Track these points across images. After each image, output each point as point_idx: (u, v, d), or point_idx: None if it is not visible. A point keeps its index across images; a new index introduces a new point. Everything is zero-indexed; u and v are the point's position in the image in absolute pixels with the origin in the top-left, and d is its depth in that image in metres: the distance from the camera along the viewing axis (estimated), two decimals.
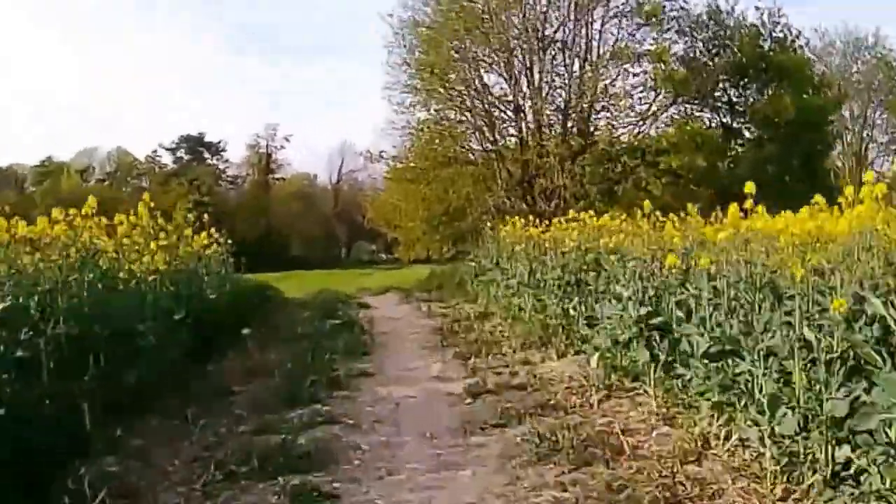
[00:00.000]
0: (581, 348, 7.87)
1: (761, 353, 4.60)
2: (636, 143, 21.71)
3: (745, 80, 23.30)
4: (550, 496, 4.09)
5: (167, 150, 47.10)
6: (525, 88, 21.91)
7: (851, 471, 3.95)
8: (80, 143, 76.02)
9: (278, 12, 69.47)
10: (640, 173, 21.41)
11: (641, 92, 21.76)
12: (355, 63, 71.50)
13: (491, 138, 22.04)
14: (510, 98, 22.01)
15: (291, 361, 7.73)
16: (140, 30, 68.60)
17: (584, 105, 21.59)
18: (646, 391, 6.18)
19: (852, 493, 3.78)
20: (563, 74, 21.84)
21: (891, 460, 3.56)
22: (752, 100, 23.54)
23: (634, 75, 21.50)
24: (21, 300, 5.61)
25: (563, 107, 21.74)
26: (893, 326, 3.78)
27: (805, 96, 23.13)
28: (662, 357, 5.90)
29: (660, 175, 21.26)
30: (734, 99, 23.85)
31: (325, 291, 14.78)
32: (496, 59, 21.69)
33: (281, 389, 6.69)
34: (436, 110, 22.21)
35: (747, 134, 23.99)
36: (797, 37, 23.65)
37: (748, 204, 5.54)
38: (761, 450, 4.78)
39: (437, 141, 21.93)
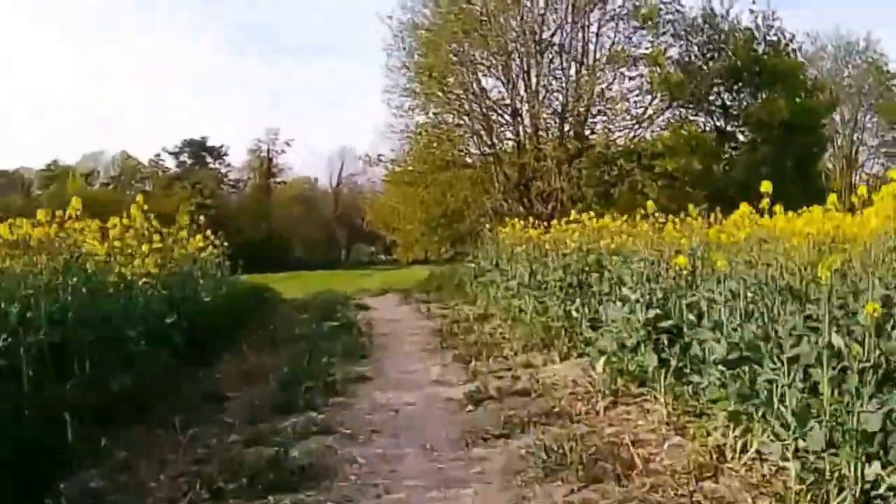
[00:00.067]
0: (584, 351, 7.45)
1: (785, 360, 4.19)
2: (632, 146, 21.36)
3: (740, 83, 23.03)
4: None
5: (170, 154, 46.84)
6: (522, 92, 21.56)
7: (882, 490, 3.58)
8: (81, 144, 75.72)
9: (278, 12, 68.99)
10: (636, 176, 21.11)
11: (637, 95, 21.44)
12: (355, 63, 71.04)
13: (489, 142, 21.67)
14: (507, 102, 21.63)
15: (287, 365, 7.30)
16: (140, 30, 68.18)
17: (581, 109, 21.22)
18: (655, 398, 5.77)
19: None
20: (561, 78, 21.51)
21: None
22: (745, 103, 23.27)
23: (631, 79, 21.18)
24: (1, 305, 5.21)
25: (560, 110, 21.37)
26: None
27: (798, 99, 22.87)
28: (673, 363, 5.48)
29: (655, 178, 20.98)
30: (728, 102, 23.59)
31: (323, 293, 14.32)
32: (494, 62, 21.31)
33: (275, 395, 6.27)
34: (434, 114, 21.84)
35: (741, 137, 23.71)
36: (791, 40, 23.39)
37: (764, 203, 5.14)
38: (782, 464, 4.39)
39: (435, 144, 21.54)
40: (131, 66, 67.78)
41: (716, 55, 22.43)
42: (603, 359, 6.24)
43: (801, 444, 4.14)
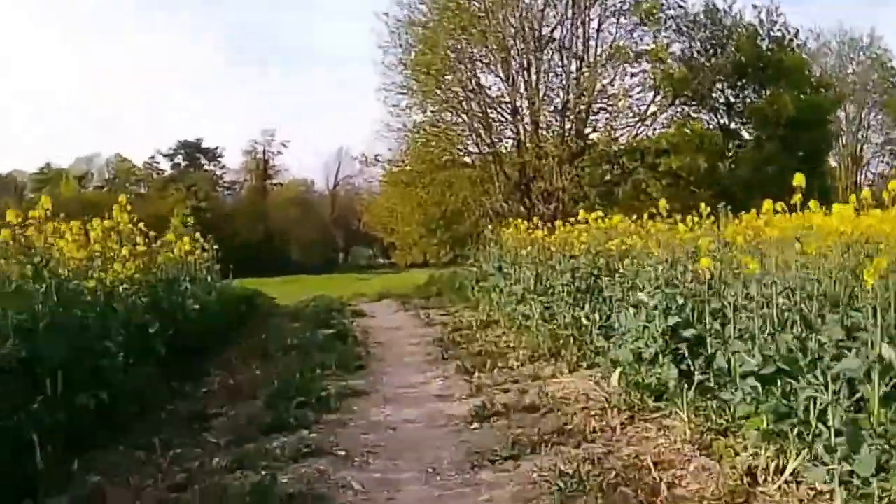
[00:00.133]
0: (595, 361, 7.02)
1: (829, 374, 3.76)
2: (635, 144, 20.91)
3: (744, 79, 22.62)
4: None
5: (165, 156, 46.33)
6: (522, 89, 21.06)
7: None
8: (80, 144, 75.06)
9: (278, 12, 68.30)
10: (640, 175, 20.71)
11: (640, 92, 20.97)
12: (354, 63, 70.06)
13: (488, 140, 21.20)
14: (507, 99, 21.16)
15: (278, 378, 6.85)
16: (140, 30, 67.21)
17: (583, 106, 20.76)
18: (676, 413, 5.33)
19: None
20: (561, 75, 21.02)
21: None
22: (749, 100, 22.85)
23: (633, 75, 20.71)
24: None
25: (561, 108, 20.89)
26: None
27: (803, 96, 22.46)
28: (697, 376, 5.05)
29: (659, 177, 20.59)
30: (731, 99, 23.18)
31: (319, 298, 13.81)
32: (493, 58, 20.82)
33: (264, 412, 5.84)
34: (432, 112, 21.35)
35: (746, 134, 23.31)
36: (795, 36, 22.98)
37: (797, 198, 4.72)
38: (820, 487, 3.98)
39: (433, 143, 21.06)
40: (131, 66, 67.00)
41: (719, 51, 22.04)
42: (618, 371, 5.80)
43: (846, 466, 3.73)
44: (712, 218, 8.10)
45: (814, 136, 22.67)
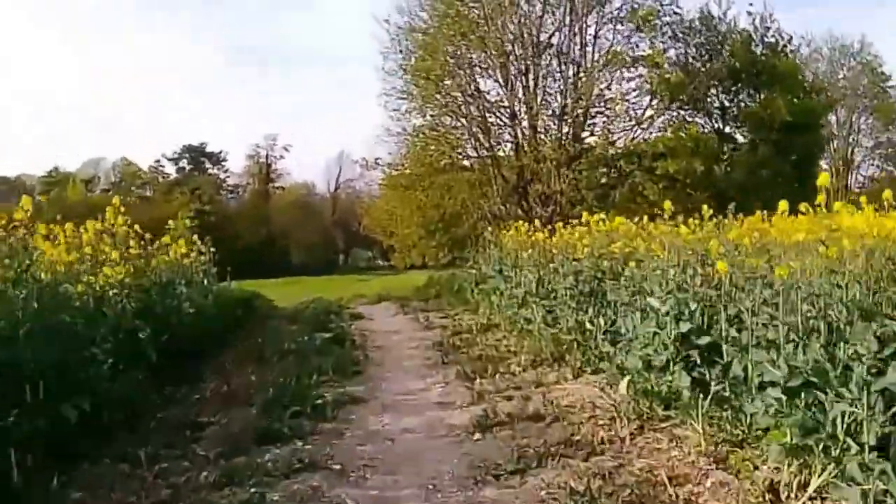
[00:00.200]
0: (599, 366, 6.61)
1: (868, 389, 3.37)
2: (632, 147, 20.54)
3: (738, 84, 22.33)
4: None
5: (170, 160, 45.93)
6: (520, 94, 20.70)
7: None
8: (80, 145, 74.15)
9: (278, 12, 67.66)
10: (637, 178, 20.34)
11: (637, 96, 20.57)
12: (354, 63, 69.08)
13: (486, 144, 20.82)
14: (505, 103, 20.78)
15: (273, 384, 6.44)
16: (140, 30, 66.35)
17: (580, 110, 20.40)
18: (688, 423, 4.93)
19: None
20: (559, 79, 20.65)
21: None
22: (743, 104, 22.56)
23: (630, 79, 20.32)
24: None
25: (558, 112, 20.52)
26: None
27: (796, 100, 22.17)
28: (714, 386, 4.65)
29: (656, 180, 20.22)
30: (726, 104, 22.88)
31: (317, 301, 13.34)
32: (492, 63, 20.45)
33: (258, 421, 5.42)
34: (431, 116, 20.95)
35: (740, 138, 22.99)
36: (789, 41, 22.70)
37: (820, 198, 4.33)
38: None
39: (432, 147, 20.68)
40: (131, 66, 66.14)
41: (714, 57, 21.72)
42: (626, 379, 5.40)
43: (880, 485, 3.36)
44: (715, 220, 7.77)
45: (806, 140, 22.42)
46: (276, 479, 4.30)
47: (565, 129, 20.51)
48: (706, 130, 22.30)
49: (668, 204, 7.11)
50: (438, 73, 20.10)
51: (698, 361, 5.13)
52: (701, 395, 4.73)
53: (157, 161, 46.23)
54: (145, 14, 64.64)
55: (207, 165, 46.14)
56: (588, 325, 6.78)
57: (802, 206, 4.34)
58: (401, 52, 21.03)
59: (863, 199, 4.75)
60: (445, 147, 20.48)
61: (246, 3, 65.78)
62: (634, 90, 20.64)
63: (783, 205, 5.65)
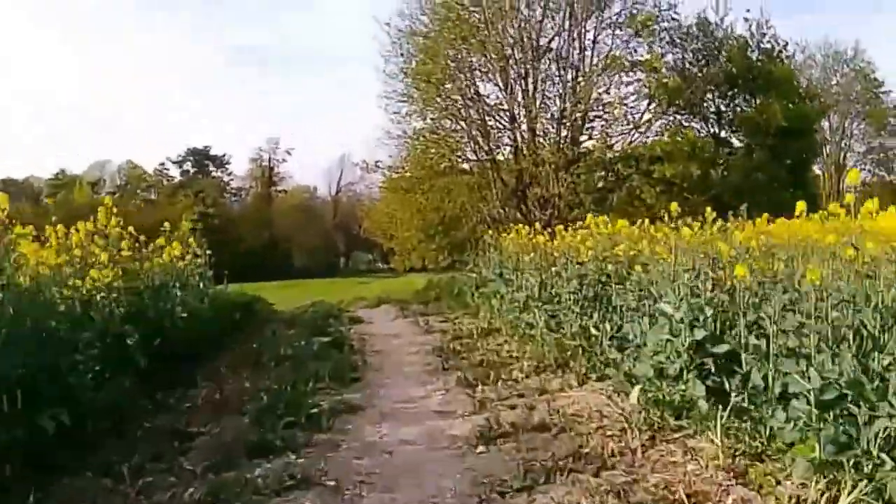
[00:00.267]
0: (605, 373, 6.22)
1: None
2: (630, 151, 20.20)
3: (734, 89, 22.02)
4: None
5: (174, 163, 45.59)
6: (520, 98, 20.37)
7: None
8: (81, 144, 73.42)
9: (278, 12, 67.07)
10: (634, 182, 20.00)
11: (635, 101, 20.25)
12: (354, 63, 68.17)
13: (486, 148, 20.47)
14: (505, 107, 20.44)
15: (268, 391, 6.04)
16: (140, 30, 65.34)
17: (579, 114, 20.06)
18: (703, 434, 4.54)
19: None
20: (558, 83, 20.33)
21: None
22: (739, 109, 22.26)
23: (628, 84, 20.01)
24: None
25: (557, 115, 20.19)
26: None
27: (791, 105, 21.88)
28: (734, 397, 4.26)
29: (654, 183, 19.89)
30: (722, 108, 22.58)
31: (317, 304, 12.90)
32: (492, 67, 20.12)
33: (250, 431, 5.03)
34: (432, 119, 20.61)
35: (735, 142, 22.69)
36: (784, 47, 22.43)
37: (849, 198, 3.95)
38: None
39: (432, 150, 20.33)
40: (131, 66, 65.22)
41: (710, 62, 21.42)
42: (638, 388, 5.00)
43: None
44: (718, 223, 7.41)
45: (801, 145, 22.20)
46: (266, 498, 3.91)
47: (564, 133, 20.21)
48: (702, 135, 22.03)
49: (674, 206, 6.74)
50: (439, 77, 19.80)
51: (713, 370, 4.75)
52: (719, 406, 4.34)
53: (162, 164, 45.92)
54: (145, 14, 63.87)
55: (211, 168, 45.81)
56: (593, 331, 6.39)
57: (832, 207, 3.95)
58: (402, 55, 20.77)
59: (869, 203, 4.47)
60: (445, 150, 20.17)
61: (246, 3, 65.07)
62: (633, 94, 20.39)
63: (801, 205, 5.30)
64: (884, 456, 3.39)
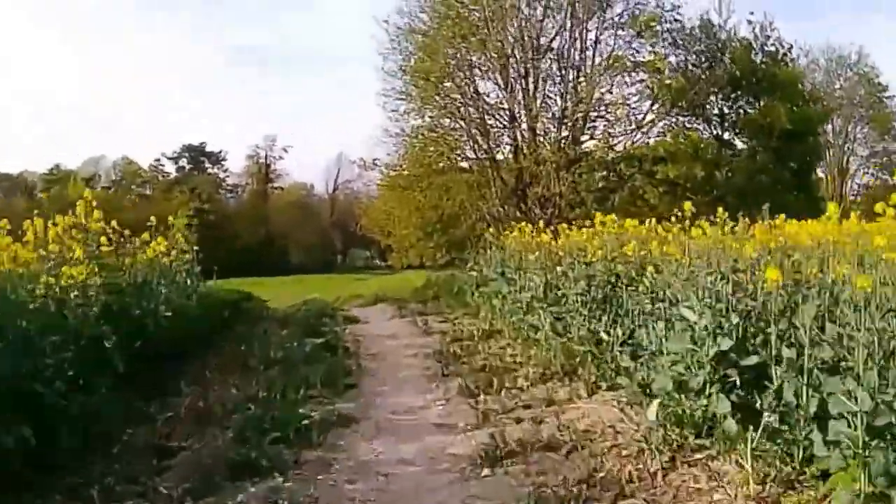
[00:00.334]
0: (616, 381, 5.78)
1: None
2: (632, 151, 19.80)
3: (738, 91, 21.65)
4: None
5: (170, 159, 45.06)
6: (520, 97, 19.94)
7: None
8: (81, 144, 73.04)
9: (278, 12, 66.53)
10: (637, 182, 19.61)
11: (638, 101, 19.85)
12: (354, 63, 67.57)
13: (485, 146, 20.04)
14: (505, 106, 20.01)
15: (255, 400, 5.60)
16: (140, 30, 64.99)
17: (580, 114, 19.64)
18: (729, 456, 4.12)
19: None
20: (559, 83, 19.89)
21: None
22: (743, 111, 21.88)
23: (632, 84, 19.61)
24: None
25: (558, 115, 19.76)
26: None
27: (795, 108, 21.51)
28: (766, 417, 3.83)
29: (656, 184, 19.50)
30: (725, 111, 22.21)
31: (311, 302, 12.40)
32: (492, 66, 19.69)
33: (233, 448, 4.57)
34: (430, 117, 20.17)
35: (739, 144, 22.32)
36: (789, 50, 22.02)
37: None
38: None
39: (431, 148, 19.89)
40: (131, 66, 64.82)
41: (714, 64, 21.04)
42: (656, 402, 4.57)
43: None
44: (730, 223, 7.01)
45: (805, 148, 21.83)
46: None
47: (565, 133, 19.79)
48: (705, 136, 21.69)
49: (688, 205, 6.34)
50: (438, 75, 19.38)
51: (738, 383, 4.32)
52: (751, 428, 3.90)
53: (157, 160, 45.35)
54: (145, 14, 63.46)
55: (207, 165, 45.29)
56: (603, 336, 5.94)
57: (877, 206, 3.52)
58: (400, 53, 20.35)
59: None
60: (444, 148, 19.76)
61: (246, 3, 64.63)
62: (635, 95, 19.99)
63: (832, 208, 4.88)
64: None
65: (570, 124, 19.61)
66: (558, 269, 7.48)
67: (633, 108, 19.89)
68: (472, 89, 19.91)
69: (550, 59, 19.90)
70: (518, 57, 19.60)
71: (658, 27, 19.82)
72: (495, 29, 19.27)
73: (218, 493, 3.88)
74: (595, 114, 19.90)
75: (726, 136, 22.21)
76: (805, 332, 3.84)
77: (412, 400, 5.80)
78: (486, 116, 20.02)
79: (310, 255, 41.58)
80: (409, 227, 20.31)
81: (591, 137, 20.05)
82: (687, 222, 7.00)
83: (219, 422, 5.18)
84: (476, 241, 12.89)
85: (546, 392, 5.82)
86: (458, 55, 19.62)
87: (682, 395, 4.46)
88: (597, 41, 19.78)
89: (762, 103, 21.27)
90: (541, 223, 9.49)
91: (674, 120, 20.92)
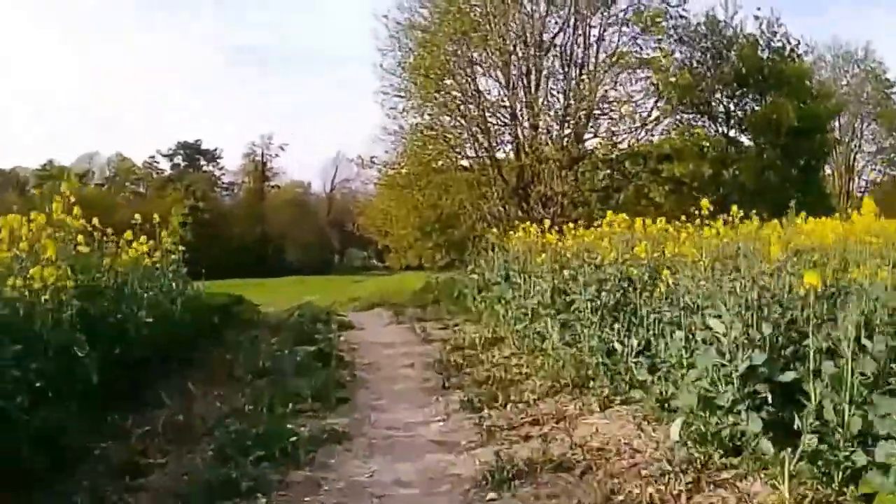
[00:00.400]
0: (630, 394, 5.41)
1: None
2: (637, 148, 19.43)
3: (744, 88, 21.33)
4: None
5: (164, 156, 44.67)
6: (522, 94, 19.58)
7: None
8: (81, 144, 72.76)
9: (278, 12, 66.18)
10: (642, 180, 19.25)
11: (643, 98, 19.47)
12: (354, 63, 67.22)
13: (486, 144, 19.67)
14: (506, 103, 19.64)
15: (240, 414, 5.23)
16: (140, 30, 64.70)
17: (583, 112, 19.28)
18: (768, 482, 3.75)
19: None
20: (562, 80, 19.53)
21: None
22: (750, 108, 21.55)
23: (637, 80, 19.24)
24: None
25: (561, 112, 19.39)
26: None
27: (802, 105, 21.18)
28: (806, 439, 3.46)
29: (662, 182, 19.13)
30: (731, 108, 21.88)
31: (304, 307, 11.92)
32: (493, 62, 19.33)
33: (213, 468, 4.20)
34: (430, 115, 19.78)
35: (745, 141, 21.99)
36: (796, 46, 21.67)
37: None
38: None
39: (430, 146, 19.52)
40: (131, 66, 64.59)
41: (719, 61, 20.72)
42: (680, 420, 4.20)
43: None
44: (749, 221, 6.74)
45: (812, 144, 21.49)
46: None
47: (567, 131, 19.44)
48: (711, 134, 21.35)
49: (705, 202, 6.01)
50: (438, 72, 19.01)
51: (769, 399, 3.95)
52: (788, 449, 3.53)
53: (152, 157, 44.95)
54: (145, 14, 63.23)
55: (202, 162, 44.88)
56: (616, 346, 5.57)
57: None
58: (400, 49, 19.97)
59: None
60: (444, 146, 19.39)
61: (246, 3, 64.35)
62: (640, 91, 19.62)
63: (869, 204, 4.55)
64: None
65: (572, 122, 19.26)
66: (565, 272, 7.10)
67: (638, 106, 19.58)
68: (472, 86, 19.56)
69: (553, 55, 19.54)
70: (520, 54, 19.25)
71: (663, 23, 19.51)
72: (497, 25, 18.94)
73: None
74: (598, 111, 19.57)
75: (732, 133, 21.96)
76: (848, 343, 3.48)
77: (410, 414, 5.42)
78: (487, 114, 19.67)
79: (307, 255, 41.20)
80: (407, 226, 19.93)
81: (595, 135, 19.70)
82: (698, 221, 6.71)
83: (200, 437, 4.81)
84: (477, 242, 12.50)
85: (555, 406, 5.45)
86: (459, 52, 19.26)
87: (709, 413, 4.09)
88: (601, 37, 19.44)
89: (769, 100, 20.96)
90: (546, 223, 9.11)
91: (679, 117, 20.63)
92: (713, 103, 21.32)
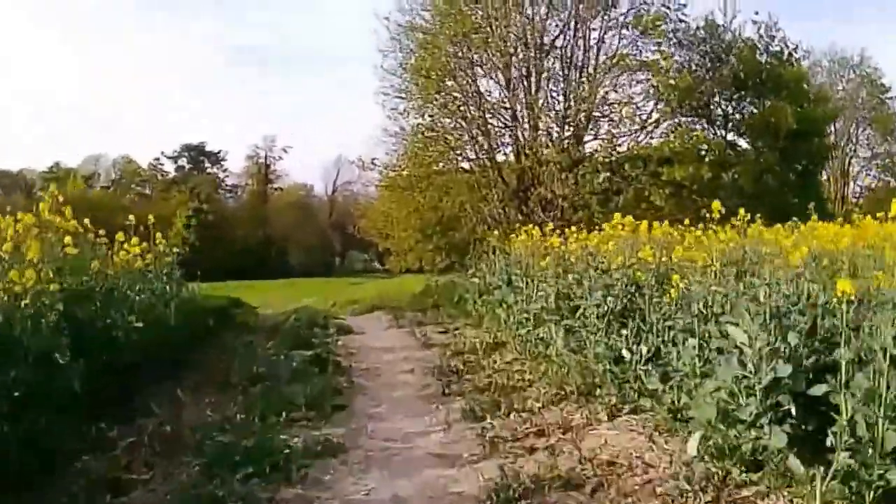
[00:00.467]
0: (639, 403, 5.07)
1: None
2: (637, 151, 19.12)
3: (742, 92, 21.01)
4: None
5: (169, 158, 44.35)
6: (522, 96, 19.30)
7: None
8: (81, 144, 72.29)
9: (278, 13, 65.72)
10: (641, 183, 18.91)
11: (643, 100, 19.17)
12: (354, 63, 66.57)
13: (486, 146, 19.37)
14: (507, 105, 19.36)
15: (230, 423, 4.88)
16: (140, 30, 63.93)
17: (583, 114, 18.98)
18: (782, 495, 3.41)
19: None
20: (562, 82, 19.24)
21: None
22: (748, 112, 21.25)
23: (637, 82, 18.94)
24: None
25: (561, 115, 19.10)
26: None
27: (800, 109, 20.89)
28: (843, 458, 3.12)
29: (662, 185, 18.78)
30: (729, 111, 21.57)
31: (302, 310, 11.54)
32: (494, 64, 19.06)
33: (199, 483, 3.86)
34: (430, 116, 19.50)
35: (744, 145, 21.68)
36: (794, 50, 21.38)
37: None
38: None
39: (431, 148, 19.22)
40: (131, 66, 63.88)
41: (718, 64, 20.43)
42: (698, 435, 3.85)
43: None
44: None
45: (810, 148, 21.20)
46: None
47: (568, 133, 19.16)
48: (710, 137, 21.04)
49: (716, 204, 5.68)
50: (439, 73, 18.73)
51: (792, 412, 3.62)
52: (821, 469, 3.20)
53: (157, 159, 44.65)
54: (145, 14, 62.53)
55: (206, 165, 44.57)
56: (625, 353, 5.22)
57: None
58: (401, 50, 19.71)
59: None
60: (444, 148, 19.11)
61: (246, 3, 63.85)
62: (639, 94, 19.33)
63: None
64: None
65: (573, 124, 18.98)
66: (570, 276, 6.76)
67: (638, 108, 19.29)
68: (473, 88, 19.31)
69: (554, 57, 19.30)
70: (521, 55, 19.02)
71: (663, 27, 19.24)
72: (498, 27, 18.71)
73: None
74: (598, 113, 19.30)
75: (731, 136, 21.65)
76: (885, 355, 3.14)
77: (409, 424, 5.07)
78: (488, 115, 19.40)
79: (309, 257, 40.86)
80: (407, 228, 19.64)
81: (595, 137, 19.44)
82: (702, 225, 6.38)
83: (186, 449, 4.46)
84: (478, 245, 12.15)
85: (560, 415, 5.11)
86: (460, 53, 19.00)
87: (729, 427, 3.74)
88: (601, 40, 19.21)
89: (767, 103, 20.67)
90: (550, 225, 8.77)
91: (678, 120, 20.32)
92: (712, 106, 21.02)
